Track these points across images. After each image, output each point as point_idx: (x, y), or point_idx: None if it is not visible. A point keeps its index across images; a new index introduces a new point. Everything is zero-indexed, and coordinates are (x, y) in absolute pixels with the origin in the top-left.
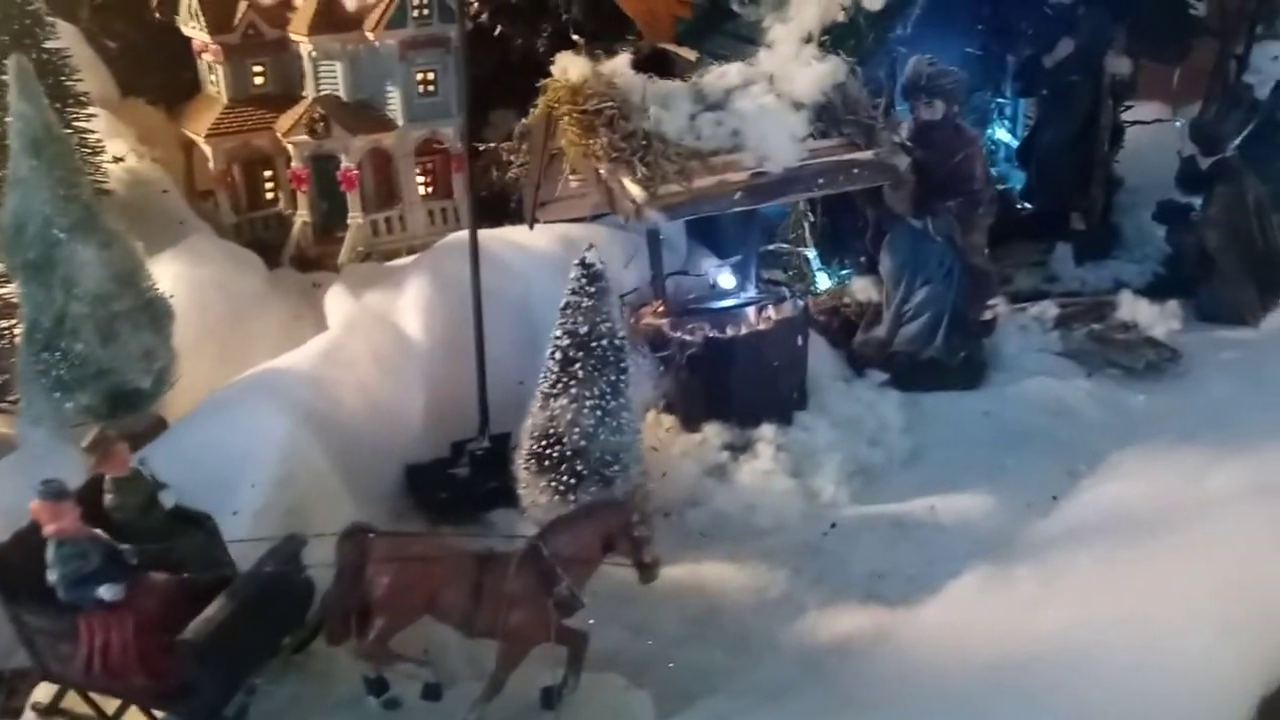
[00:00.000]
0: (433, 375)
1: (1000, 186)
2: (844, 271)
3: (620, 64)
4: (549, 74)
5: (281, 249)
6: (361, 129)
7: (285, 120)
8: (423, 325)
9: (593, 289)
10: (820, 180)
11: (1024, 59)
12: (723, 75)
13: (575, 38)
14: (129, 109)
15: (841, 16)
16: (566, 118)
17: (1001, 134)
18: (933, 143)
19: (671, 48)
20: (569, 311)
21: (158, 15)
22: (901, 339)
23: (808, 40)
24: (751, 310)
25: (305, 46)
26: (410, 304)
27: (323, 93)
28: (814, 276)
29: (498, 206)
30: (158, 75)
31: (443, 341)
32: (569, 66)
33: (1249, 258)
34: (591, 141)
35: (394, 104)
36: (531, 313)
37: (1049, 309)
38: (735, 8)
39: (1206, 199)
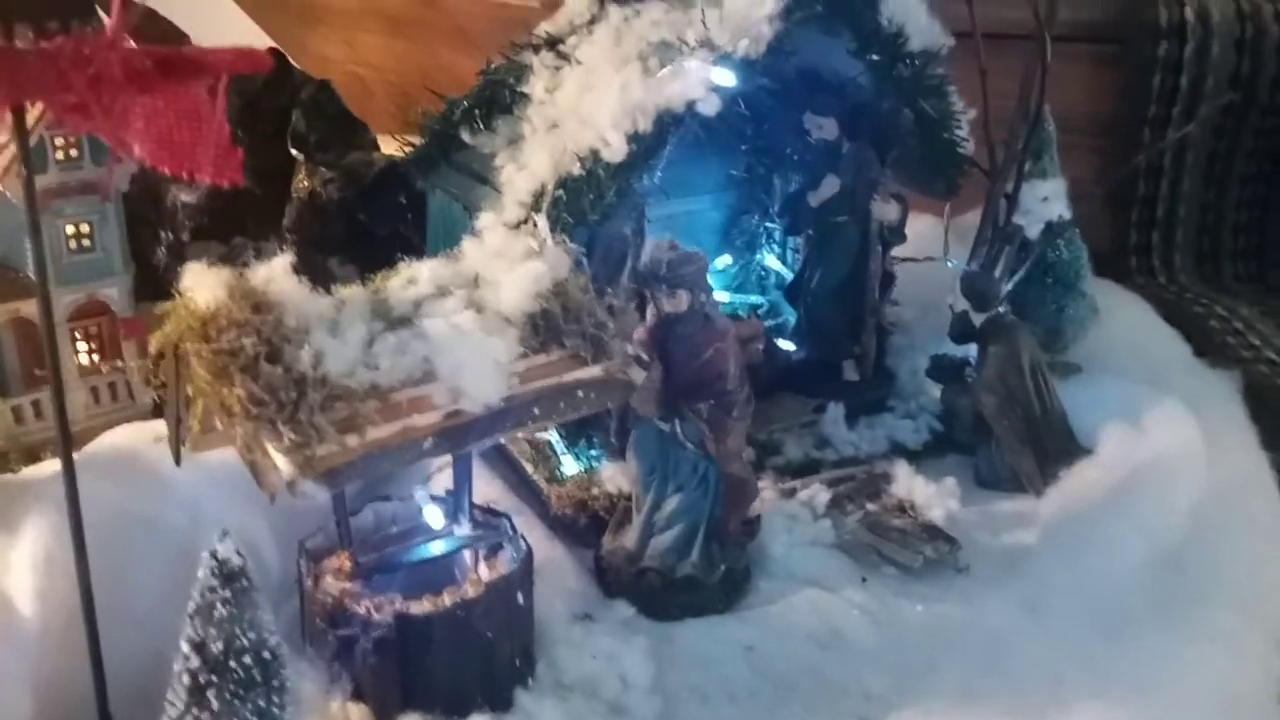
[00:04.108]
0: (50, 662)
1: (771, 322)
2: (593, 453)
3: (277, 271)
4: (271, 190)
5: None
6: None
7: None
8: (37, 590)
9: (228, 591)
10: (536, 411)
11: (789, 196)
12: (412, 282)
13: (295, 152)
14: None
15: (578, 169)
16: (195, 357)
17: (771, 260)
18: (678, 337)
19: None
20: (197, 622)
21: None
22: (652, 553)
23: (539, 195)
24: (464, 556)
25: None
26: (24, 558)
27: None
28: (559, 462)
29: None
30: None
31: (67, 609)
32: (198, 286)
33: (1026, 424)
34: (225, 391)
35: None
36: (199, 550)
37: (819, 493)
38: (466, 138)
39: (980, 360)
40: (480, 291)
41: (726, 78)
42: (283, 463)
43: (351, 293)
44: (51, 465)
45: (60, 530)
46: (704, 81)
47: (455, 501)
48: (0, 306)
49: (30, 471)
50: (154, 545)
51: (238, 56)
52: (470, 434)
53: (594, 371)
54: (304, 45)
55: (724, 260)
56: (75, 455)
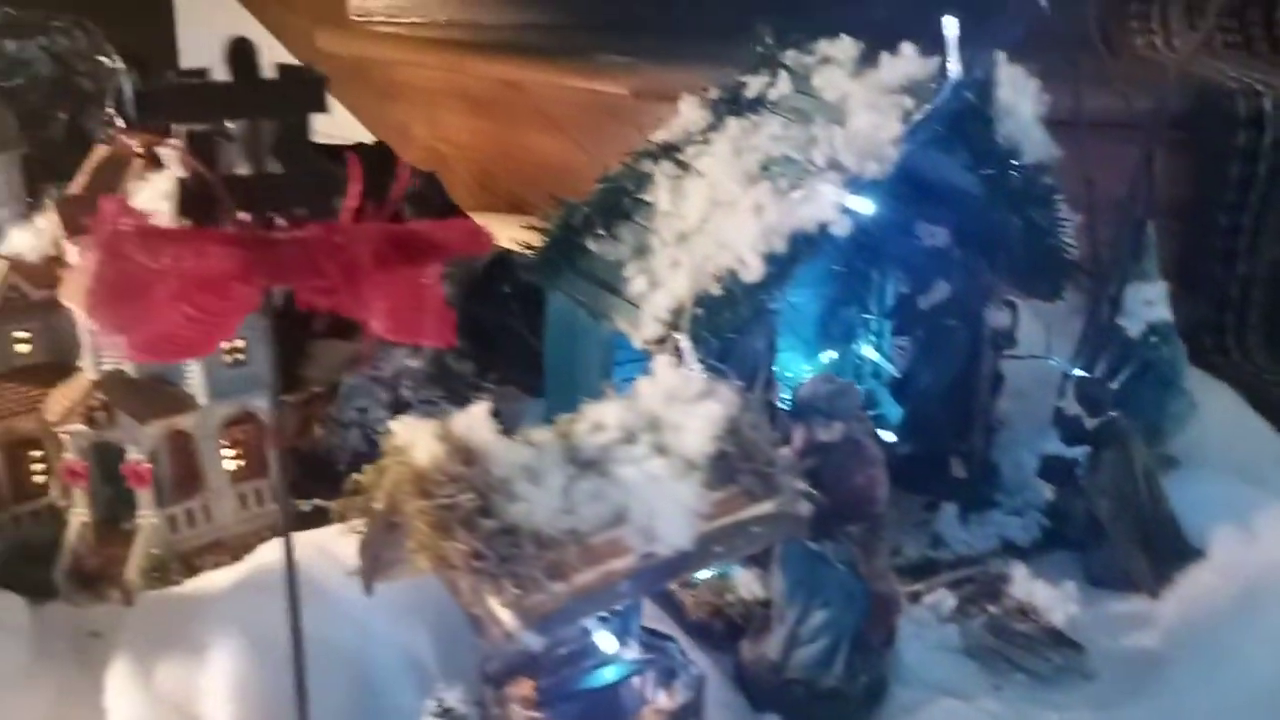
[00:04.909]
0: None
1: (870, 413)
2: None
3: (477, 418)
4: None
5: (55, 551)
6: (153, 413)
7: (56, 405)
8: (233, 716)
9: None
10: (717, 548)
11: (898, 298)
12: (598, 427)
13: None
14: None
15: (716, 288)
16: (417, 514)
17: (868, 351)
18: (830, 464)
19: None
20: None
21: None
22: (796, 665)
23: (678, 313)
24: (635, 683)
25: (83, 318)
26: (220, 687)
27: (104, 368)
28: None
29: (321, 471)
30: None
31: None
32: (415, 441)
33: (1139, 526)
34: (445, 545)
35: (194, 378)
36: (371, 671)
37: (945, 599)
38: (591, 246)
39: (1094, 463)
40: (663, 435)
41: (864, 205)
42: (507, 617)
43: (543, 437)
44: (218, 578)
45: (250, 655)
46: (837, 205)
47: (623, 624)
48: (159, 421)
49: (197, 585)
50: (328, 666)
51: (466, 236)
52: (662, 575)
53: (766, 507)
54: (384, 119)
55: (828, 355)
56: (237, 572)
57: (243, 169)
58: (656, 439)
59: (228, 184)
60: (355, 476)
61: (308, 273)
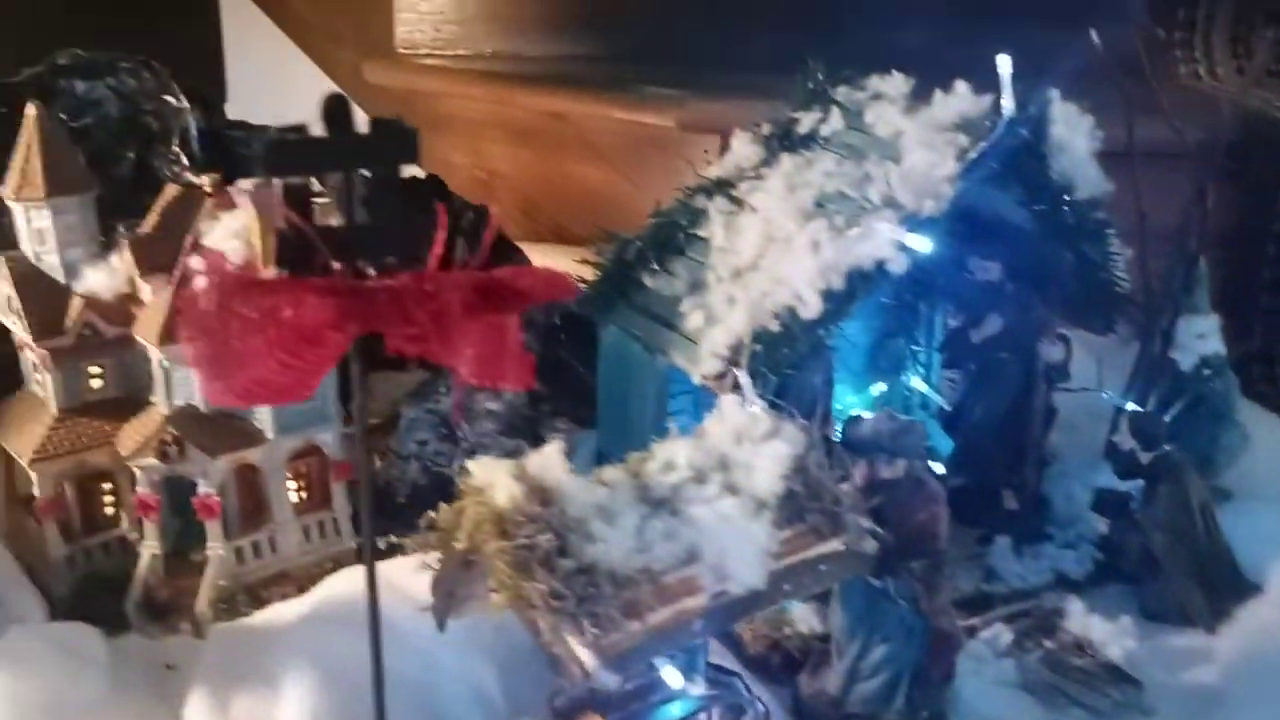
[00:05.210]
0: None
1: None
2: None
3: (550, 458)
4: None
5: (125, 583)
6: (223, 447)
7: (129, 439)
8: None
9: None
10: (786, 586)
11: (950, 331)
12: (669, 466)
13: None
14: None
15: (775, 324)
16: (497, 554)
17: (916, 382)
18: (892, 501)
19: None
20: None
21: None
22: (855, 699)
23: (737, 349)
24: (700, 717)
25: (155, 354)
26: (291, 716)
27: (176, 403)
28: None
29: (381, 503)
30: None
31: None
32: (495, 482)
33: (1195, 560)
34: (525, 585)
35: (262, 413)
36: (440, 704)
37: (1002, 634)
38: (645, 280)
39: (1149, 497)
40: (733, 474)
41: (922, 243)
42: (587, 656)
43: (615, 476)
44: (288, 610)
45: (323, 686)
46: (894, 242)
47: (690, 660)
48: (229, 455)
49: (268, 617)
50: (397, 698)
51: (549, 283)
52: (734, 613)
53: (834, 545)
54: (429, 150)
55: (879, 387)
56: (306, 604)
57: (334, 219)
58: (727, 478)
59: (322, 234)
60: (432, 515)
61: (399, 321)
